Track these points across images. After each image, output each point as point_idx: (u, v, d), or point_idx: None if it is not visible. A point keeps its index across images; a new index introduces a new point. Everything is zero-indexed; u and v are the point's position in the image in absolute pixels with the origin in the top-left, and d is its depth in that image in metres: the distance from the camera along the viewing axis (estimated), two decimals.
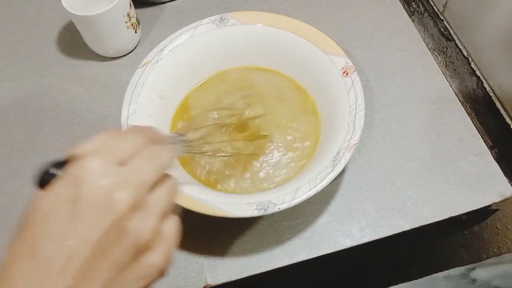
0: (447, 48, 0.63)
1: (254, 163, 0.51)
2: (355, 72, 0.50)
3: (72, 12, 0.55)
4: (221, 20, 0.55)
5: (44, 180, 0.25)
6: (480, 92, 0.57)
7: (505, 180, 0.52)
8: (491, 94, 0.56)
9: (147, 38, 0.66)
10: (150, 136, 0.28)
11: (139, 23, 0.63)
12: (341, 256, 0.49)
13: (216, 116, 0.53)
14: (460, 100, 0.58)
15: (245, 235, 0.50)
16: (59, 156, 0.26)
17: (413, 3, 0.68)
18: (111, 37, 0.59)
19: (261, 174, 0.50)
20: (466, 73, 0.60)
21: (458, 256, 0.65)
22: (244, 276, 0.48)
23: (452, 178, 0.52)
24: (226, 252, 0.49)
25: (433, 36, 0.65)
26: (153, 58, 0.53)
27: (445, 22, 0.63)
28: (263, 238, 0.50)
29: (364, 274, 0.71)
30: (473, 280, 0.46)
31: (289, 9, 0.67)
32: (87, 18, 0.55)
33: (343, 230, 0.50)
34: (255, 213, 0.42)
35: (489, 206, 0.51)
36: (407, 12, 0.66)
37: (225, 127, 0.53)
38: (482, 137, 0.55)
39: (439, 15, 0.63)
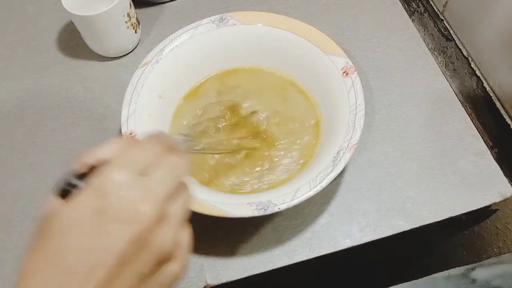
0: (447, 48, 0.63)
1: (253, 162, 0.51)
2: (355, 72, 0.50)
3: (72, 12, 0.55)
4: (221, 20, 0.55)
5: (65, 190, 0.25)
6: (480, 92, 0.57)
7: (505, 180, 0.52)
8: (491, 94, 0.56)
9: (147, 38, 0.66)
10: (165, 143, 0.28)
11: (139, 23, 0.63)
12: (341, 256, 0.49)
13: (212, 113, 0.53)
14: (460, 100, 0.58)
15: (245, 235, 0.50)
16: (77, 166, 0.26)
17: (413, 3, 0.68)
18: (111, 37, 0.59)
19: (261, 174, 0.50)
20: (466, 73, 0.60)
21: (458, 256, 0.65)
22: (244, 276, 0.48)
23: (452, 178, 0.52)
24: (226, 252, 0.49)
25: (433, 36, 0.65)
26: (153, 58, 0.53)
27: (445, 22, 0.63)
28: (263, 238, 0.50)
29: (364, 274, 0.71)
30: (473, 280, 0.46)
31: (289, 9, 0.67)
32: (87, 18, 0.55)
33: (343, 230, 0.50)
34: (255, 213, 0.42)
35: (489, 206, 0.51)
36: (407, 12, 0.66)
37: (223, 124, 0.52)
38: (482, 137, 0.55)
39: (439, 15, 0.63)
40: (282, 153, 0.51)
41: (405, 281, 0.47)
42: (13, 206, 0.53)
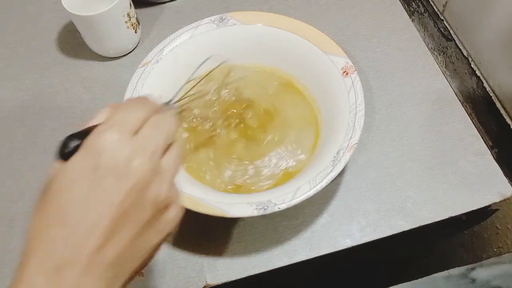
0: (447, 48, 0.63)
1: (252, 158, 0.51)
2: (355, 72, 0.50)
3: (72, 12, 0.55)
4: (221, 20, 0.55)
5: (65, 152, 0.27)
6: (480, 92, 0.57)
7: (505, 180, 0.52)
8: (491, 94, 0.56)
9: (147, 38, 0.66)
10: (151, 104, 0.30)
11: (139, 23, 0.63)
12: (341, 256, 0.49)
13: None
14: (460, 100, 0.58)
15: (245, 235, 0.50)
16: (75, 130, 0.29)
17: (413, 3, 0.68)
18: (111, 37, 0.59)
19: (261, 174, 0.50)
20: (466, 73, 0.60)
21: (458, 256, 0.65)
22: (244, 276, 0.48)
23: (452, 178, 0.52)
24: (226, 252, 0.49)
25: (433, 36, 0.65)
26: (153, 58, 0.53)
27: (445, 22, 0.63)
28: (263, 238, 0.50)
29: (364, 274, 0.71)
30: (473, 280, 0.46)
31: (289, 9, 0.67)
32: (87, 18, 0.55)
33: (343, 230, 0.50)
34: (255, 213, 0.42)
35: (489, 206, 0.51)
36: (407, 12, 0.66)
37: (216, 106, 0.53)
38: (482, 137, 0.55)
39: (439, 15, 0.63)
40: (281, 152, 0.51)
41: (405, 281, 0.47)
42: (13, 206, 0.53)
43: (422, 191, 0.51)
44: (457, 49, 0.61)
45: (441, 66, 0.64)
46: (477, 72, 0.58)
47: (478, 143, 0.54)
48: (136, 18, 0.62)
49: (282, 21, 0.55)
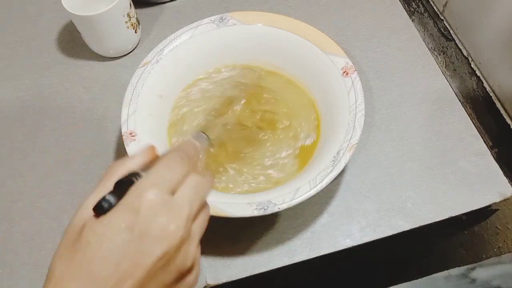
0: (447, 48, 0.63)
1: (252, 160, 0.51)
2: (355, 72, 0.50)
3: (72, 12, 0.55)
4: (221, 20, 0.55)
5: (101, 206, 0.27)
6: (480, 92, 0.57)
7: (505, 180, 0.52)
8: (491, 94, 0.56)
9: (147, 38, 0.66)
10: (190, 158, 0.31)
11: (139, 23, 0.63)
12: (341, 256, 0.49)
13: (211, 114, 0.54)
14: (460, 100, 0.58)
15: (245, 235, 0.50)
16: (110, 180, 0.28)
17: (413, 3, 0.68)
18: (111, 37, 0.59)
19: (261, 174, 0.50)
20: (466, 73, 0.60)
21: (458, 256, 0.65)
22: (244, 276, 0.48)
23: (452, 178, 0.52)
24: (226, 252, 0.49)
25: (433, 36, 0.65)
26: (153, 58, 0.53)
27: (445, 22, 0.63)
28: (263, 238, 0.50)
29: (364, 274, 0.71)
30: (473, 280, 0.46)
31: (289, 9, 0.67)
32: (87, 18, 0.55)
33: (343, 230, 0.50)
34: (255, 213, 0.42)
35: (489, 206, 0.51)
36: (407, 12, 0.66)
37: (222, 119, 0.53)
38: (482, 137, 0.55)
39: (439, 15, 0.63)
40: (281, 152, 0.51)
41: (405, 281, 0.47)
42: (13, 206, 0.53)
43: (422, 191, 0.51)
44: (457, 49, 0.61)
45: (441, 66, 0.64)
46: (477, 72, 0.58)
47: (478, 143, 0.54)
48: (136, 18, 0.62)
49: (282, 21, 0.55)
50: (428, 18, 0.65)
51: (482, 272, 0.46)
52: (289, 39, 0.54)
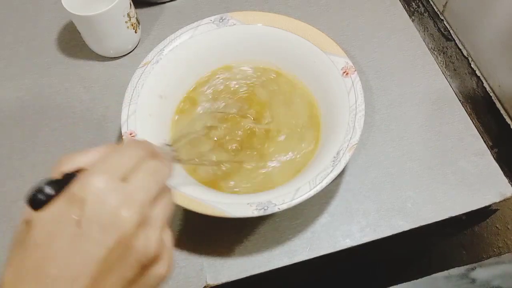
0: (447, 48, 0.63)
1: (252, 159, 0.51)
2: (355, 72, 0.50)
3: (72, 12, 0.55)
4: (221, 20, 0.55)
5: (38, 199, 0.24)
6: (480, 92, 0.57)
7: (505, 180, 0.52)
8: (491, 94, 0.56)
9: (147, 38, 0.66)
10: (147, 150, 0.28)
11: (139, 23, 0.63)
12: (341, 256, 0.49)
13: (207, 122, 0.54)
14: (460, 100, 0.58)
15: (245, 235, 0.50)
16: (53, 173, 0.26)
17: (413, 3, 0.68)
18: (111, 37, 0.59)
19: (261, 174, 0.50)
20: (466, 73, 0.60)
21: (458, 256, 0.65)
22: (244, 276, 0.48)
23: (452, 178, 0.52)
24: (226, 252, 0.49)
25: (433, 36, 0.65)
26: (153, 58, 0.53)
27: (445, 22, 0.63)
28: (263, 238, 0.50)
29: (364, 274, 0.71)
30: (473, 280, 0.46)
31: (289, 9, 0.67)
32: (87, 18, 0.55)
33: (343, 230, 0.50)
34: (255, 213, 0.42)
35: (489, 206, 0.51)
36: (407, 12, 0.66)
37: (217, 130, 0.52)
38: (482, 137, 0.55)
39: (439, 15, 0.63)
40: (281, 152, 0.51)
41: (405, 281, 0.47)
42: (13, 206, 0.53)
43: (422, 191, 0.51)
44: (457, 49, 0.61)
45: (441, 66, 0.64)
46: (477, 72, 0.58)
47: (478, 143, 0.54)
48: (136, 18, 0.62)
49: (282, 21, 0.55)
50: (428, 18, 0.65)
51: (482, 272, 0.46)
52: (289, 39, 0.54)
